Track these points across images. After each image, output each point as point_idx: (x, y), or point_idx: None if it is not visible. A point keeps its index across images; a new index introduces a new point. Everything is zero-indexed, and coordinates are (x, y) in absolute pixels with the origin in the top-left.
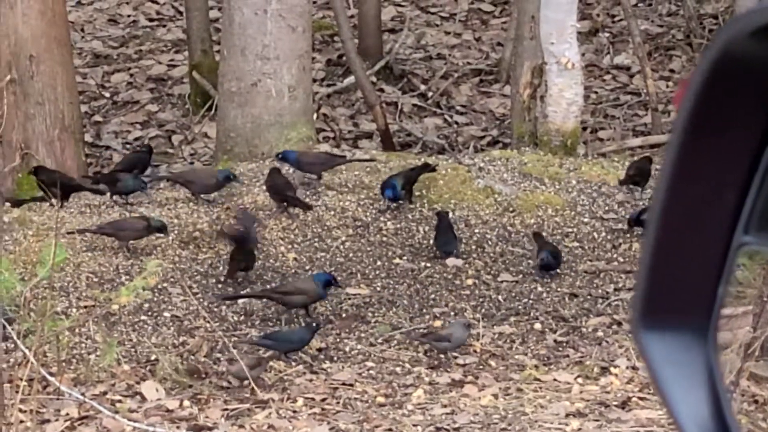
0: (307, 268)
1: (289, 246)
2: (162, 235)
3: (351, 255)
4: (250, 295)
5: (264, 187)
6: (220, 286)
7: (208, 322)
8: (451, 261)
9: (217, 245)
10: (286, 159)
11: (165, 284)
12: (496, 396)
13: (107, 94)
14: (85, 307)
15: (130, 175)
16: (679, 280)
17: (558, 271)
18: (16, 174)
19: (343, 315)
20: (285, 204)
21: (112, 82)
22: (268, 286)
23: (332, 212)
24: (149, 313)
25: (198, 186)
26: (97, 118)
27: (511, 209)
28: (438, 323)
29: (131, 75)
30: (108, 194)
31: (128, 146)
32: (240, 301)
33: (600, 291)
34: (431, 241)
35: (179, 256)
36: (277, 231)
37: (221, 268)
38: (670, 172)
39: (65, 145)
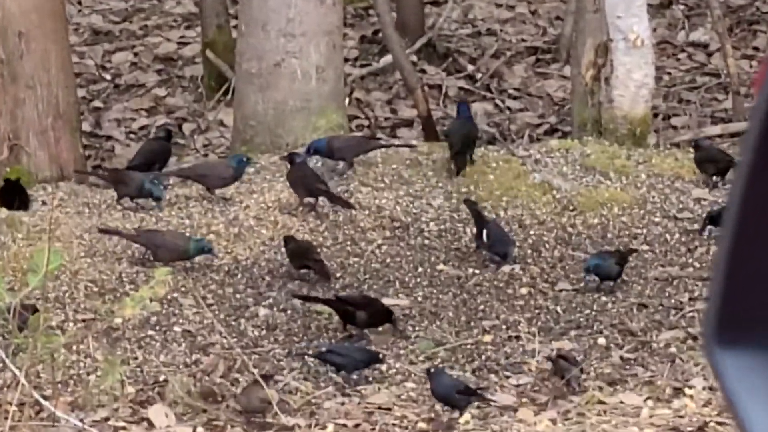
0: (339, 275)
1: (318, 250)
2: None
3: (388, 260)
4: (321, 300)
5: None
6: (238, 296)
7: (225, 337)
8: (503, 267)
9: (235, 250)
10: (317, 151)
11: (175, 294)
12: (554, 421)
13: (108, 77)
14: (84, 320)
15: (143, 176)
16: (759, 290)
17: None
18: (3, 168)
19: (380, 329)
20: (314, 201)
21: (113, 62)
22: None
23: (367, 211)
24: (157, 328)
25: (213, 179)
26: (97, 103)
27: (571, 207)
28: (488, 338)
29: (136, 54)
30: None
31: (132, 136)
32: (261, 313)
33: (673, 301)
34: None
35: (192, 261)
36: (304, 233)
37: (239, 276)
38: (749, 166)
39: (60, 134)
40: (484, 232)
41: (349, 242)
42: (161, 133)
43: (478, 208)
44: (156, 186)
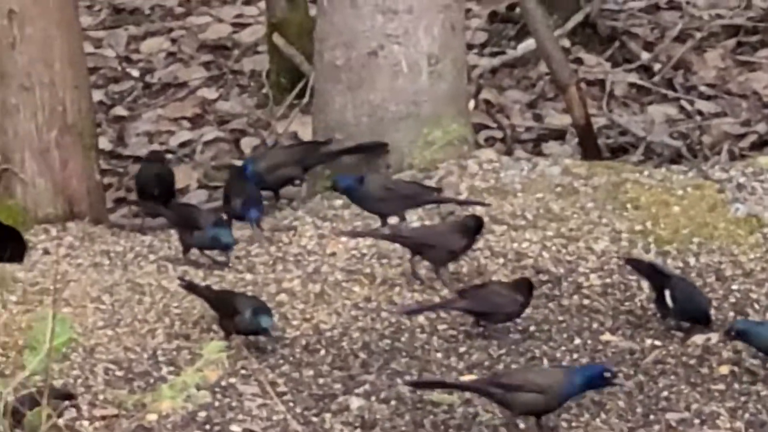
0: (462, 350)
1: (433, 313)
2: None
3: (533, 328)
4: (446, 384)
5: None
6: (321, 381)
7: None
8: (694, 337)
9: (316, 316)
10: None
11: (233, 380)
12: None
13: (135, 73)
14: (104, 417)
15: (214, 219)
16: None
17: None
18: None
19: (520, 425)
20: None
21: (142, 52)
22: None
23: (501, 259)
24: (207, 427)
25: (440, 252)
26: (120, 111)
27: None
28: None
29: (174, 41)
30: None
31: (170, 156)
32: (353, 404)
33: None
34: (663, 306)
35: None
36: (412, 291)
37: (322, 352)
38: None
39: (68, 155)
40: (666, 292)
41: None
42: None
43: (652, 263)
44: (225, 230)
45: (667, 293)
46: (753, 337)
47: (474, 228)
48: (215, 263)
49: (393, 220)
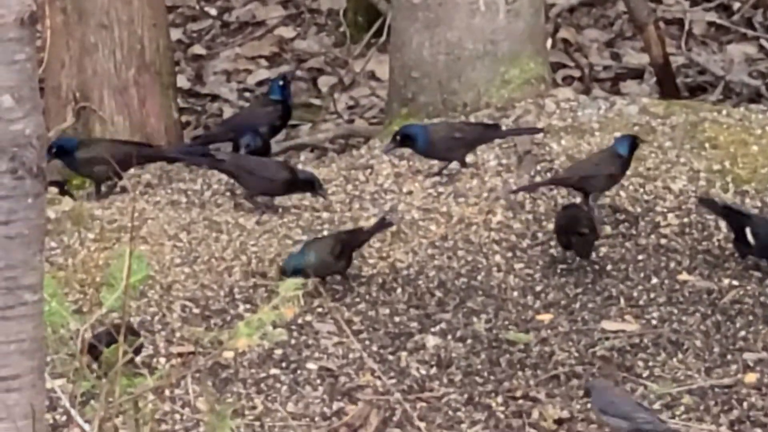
0: (538, 288)
1: (509, 252)
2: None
3: (609, 267)
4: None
5: None
6: (397, 319)
7: (379, 377)
8: None
9: (392, 254)
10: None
11: (309, 317)
12: None
13: (213, 11)
14: (181, 355)
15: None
16: None
17: None
18: None
19: (597, 364)
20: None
21: None
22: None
23: (578, 198)
24: (284, 365)
25: (598, 182)
26: (198, 49)
27: None
28: (751, 377)
29: None
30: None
31: (247, 94)
32: (430, 343)
33: None
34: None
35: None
36: (489, 228)
37: (399, 291)
38: None
39: (146, 92)
40: (748, 230)
41: (552, 242)
42: (278, 85)
43: (727, 203)
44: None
45: (748, 231)
46: None
47: (629, 150)
48: (268, 207)
49: (454, 164)
